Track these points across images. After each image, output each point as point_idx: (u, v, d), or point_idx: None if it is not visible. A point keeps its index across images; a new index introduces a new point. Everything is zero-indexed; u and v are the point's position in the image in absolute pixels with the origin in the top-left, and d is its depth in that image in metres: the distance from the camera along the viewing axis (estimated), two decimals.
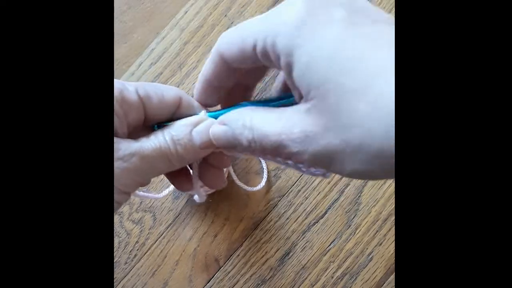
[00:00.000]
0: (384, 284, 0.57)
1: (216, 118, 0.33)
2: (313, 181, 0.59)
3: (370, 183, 0.59)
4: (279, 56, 0.23)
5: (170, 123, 0.33)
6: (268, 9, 0.62)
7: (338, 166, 0.24)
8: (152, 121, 0.33)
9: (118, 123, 0.31)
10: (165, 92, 0.33)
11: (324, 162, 0.25)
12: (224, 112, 0.32)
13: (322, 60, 0.22)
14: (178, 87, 0.62)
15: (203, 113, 0.33)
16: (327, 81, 0.22)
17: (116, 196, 0.30)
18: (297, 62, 0.22)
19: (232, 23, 0.62)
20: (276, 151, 0.26)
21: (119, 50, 0.63)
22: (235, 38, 0.27)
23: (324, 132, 0.23)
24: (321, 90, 0.22)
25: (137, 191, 0.38)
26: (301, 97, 0.25)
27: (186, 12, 0.63)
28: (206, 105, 0.34)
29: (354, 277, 0.57)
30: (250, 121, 0.27)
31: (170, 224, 0.59)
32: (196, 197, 0.55)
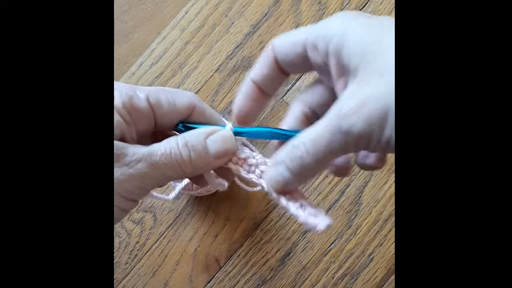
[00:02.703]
0: (385, 285, 0.57)
1: (241, 133, 0.33)
2: (314, 182, 0.59)
3: (371, 183, 0.58)
4: (331, 39, 0.28)
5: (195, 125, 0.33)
6: (268, 9, 0.63)
7: (392, 122, 0.26)
8: (162, 126, 0.33)
9: (127, 129, 0.30)
10: (177, 99, 0.32)
11: (379, 122, 0.26)
12: (250, 130, 0.33)
13: (369, 39, 0.27)
14: (178, 87, 0.62)
15: (229, 125, 0.33)
16: (374, 51, 0.26)
17: (121, 203, 0.30)
18: (349, 40, 0.27)
19: (232, 23, 0.63)
20: (330, 145, 0.27)
21: (120, 50, 0.63)
22: (290, 34, 0.32)
23: (372, 92, 0.26)
24: (370, 58, 0.26)
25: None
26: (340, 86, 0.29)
27: (186, 12, 0.63)
28: (247, 117, 0.34)
29: (355, 278, 0.57)
30: (301, 138, 0.28)
31: (171, 224, 0.59)
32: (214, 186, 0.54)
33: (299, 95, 0.34)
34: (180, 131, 0.33)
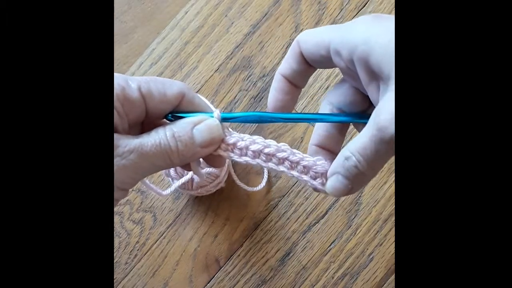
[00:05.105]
0: (385, 285, 0.57)
1: (229, 118, 0.33)
2: None
3: (371, 183, 0.58)
4: (355, 48, 0.28)
5: (183, 114, 0.33)
6: (268, 9, 0.63)
7: None
8: (153, 115, 0.33)
9: (119, 120, 0.31)
10: (168, 89, 0.33)
11: None
12: (238, 115, 0.33)
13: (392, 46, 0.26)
14: None
15: (216, 113, 0.33)
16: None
17: (115, 194, 0.30)
18: (375, 47, 0.27)
19: (232, 23, 0.62)
20: (378, 154, 0.28)
21: (120, 50, 0.63)
22: (314, 34, 0.31)
23: None
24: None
25: (144, 179, 0.37)
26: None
27: (186, 12, 0.63)
28: (282, 111, 0.35)
29: (355, 278, 0.57)
30: (351, 150, 0.29)
31: (171, 224, 0.59)
32: (195, 177, 0.54)
33: (327, 95, 0.35)
34: (170, 121, 0.33)
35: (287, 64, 0.33)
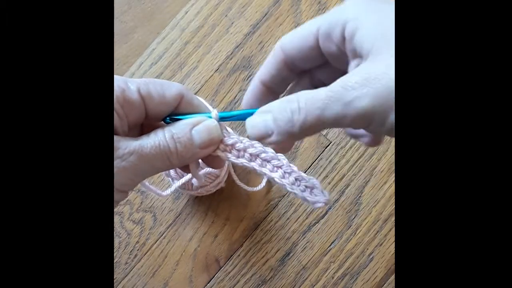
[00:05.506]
0: (385, 285, 0.57)
1: (227, 118, 0.33)
2: None
3: (371, 183, 0.58)
4: (345, 25, 0.28)
5: (182, 116, 0.33)
6: (268, 9, 0.63)
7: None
8: (152, 117, 0.33)
9: (119, 122, 0.31)
10: (167, 90, 0.33)
11: (387, 103, 0.24)
12: (235, 114, 0.33)
13: (382, 24, 0.26)
14: None
15: (214, 112, 0.33)
16: (388, 35, 0.26)
17: (115, 196, 0.30)
18: (363, 25, 0.27)
19: (232, 23, 0.62)
20: (324, 111, 0.26)
21: (120, 50, 0.63)
22: (297, 31, 0.31)
23: (386, 70, 0.25)
24: (384, 41, 0.26)
25: (144, 181, 0.37)
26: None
27: (186, 12, 0.63)
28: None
29: (355, 278, 0.57)
30: (297, 95, 0.28)
31: (171, 224, 0.59)
32: (194, 180, 0.55)
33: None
34: (168, 124, 0.33)
35: (267, 70, 0.33)
